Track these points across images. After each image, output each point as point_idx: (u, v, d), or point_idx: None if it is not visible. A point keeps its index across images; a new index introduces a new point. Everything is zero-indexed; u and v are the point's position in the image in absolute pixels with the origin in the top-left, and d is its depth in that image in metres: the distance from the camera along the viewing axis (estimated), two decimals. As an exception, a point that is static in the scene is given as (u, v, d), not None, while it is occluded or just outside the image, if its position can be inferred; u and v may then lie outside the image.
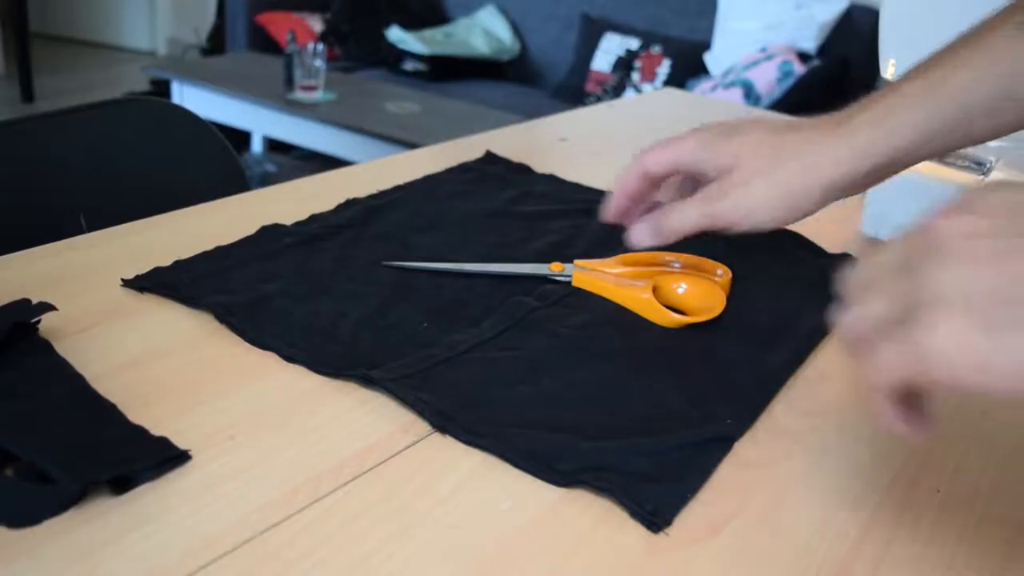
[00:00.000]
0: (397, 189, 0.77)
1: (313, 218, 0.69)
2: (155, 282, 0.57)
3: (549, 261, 0.65)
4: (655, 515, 0.41)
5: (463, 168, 0.85)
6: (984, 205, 0.33)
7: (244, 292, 0.57)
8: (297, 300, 0.57)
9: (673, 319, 0.58)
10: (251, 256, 0.62)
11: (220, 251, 0.63)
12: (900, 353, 0.33)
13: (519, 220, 0.74)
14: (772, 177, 0.52)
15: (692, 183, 0.59)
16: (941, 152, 0.52)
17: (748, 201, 0.53)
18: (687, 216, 0.54)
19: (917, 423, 0.36)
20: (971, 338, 0.31)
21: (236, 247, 0.63)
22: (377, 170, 0.85)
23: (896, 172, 0.53)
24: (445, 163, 0.85)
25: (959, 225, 0.32)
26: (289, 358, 0.51)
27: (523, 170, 0.86)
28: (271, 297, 0.57)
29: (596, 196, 0.81)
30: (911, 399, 0.36)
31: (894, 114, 0.51)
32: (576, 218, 0.75)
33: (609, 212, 0.60)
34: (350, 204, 0.73)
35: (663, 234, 0.56)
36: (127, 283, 0.57)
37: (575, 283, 0.62)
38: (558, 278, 0.63)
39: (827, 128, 0.53)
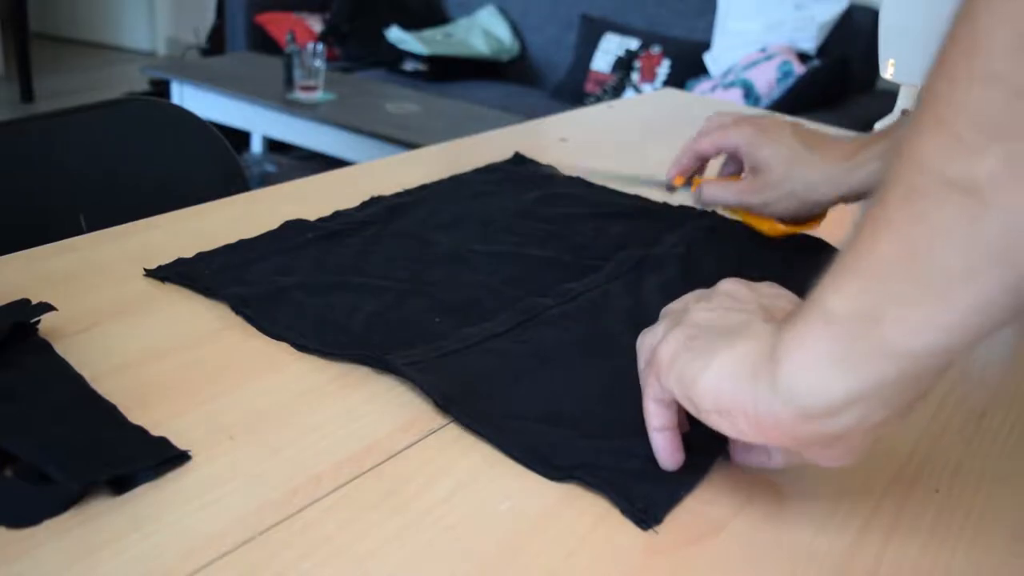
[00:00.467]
0: (422, 188, 0.78)
1: (336, 214, 0.70)
2: (177, 272, 0.59)
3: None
4: (646, 513, 0.41)
5: (490, 168, 0.85)
6: (756, 285, 0.46)
7: (262, 284, 0.58)
8: (313, 293, 0.58)
9: (778, 228, 0.71)
10: (273, 250, 0.63)
11: (243, 244, 0.64)
12: (652, 350, 0.44)
13: (542, 222, 0.74)
14: (789, 189, 0.70)
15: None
16: None
17: (770, 200, 0.71)
18: (726, 195, 0.74)
19: (670, 440, 0.44)
20: (674, 344, 0.42)
21: (259, 241, 0.64)
22: (377, 170, 0.85)
23: None
24: (445, 163, 0.85)
25: (730, 286, 0.46)
26: (300, 347, 0.52)
27: (550, 172, 0.86)
28: (288, 290, 0.58)
29: (622, 199, 0.81)
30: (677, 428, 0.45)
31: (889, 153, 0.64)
32: (599, 221, 0.75)
33: (670, 177, 0.78)
34: (374, 201, 0.74)
35: (704, 202, 0.76)
36: (150, 273, 0.59)
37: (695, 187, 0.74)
38: (681, 190, 0.77)
39: (839, 155, 0.69)
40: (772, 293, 0.46)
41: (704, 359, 0.40)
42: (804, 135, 0.71)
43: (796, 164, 0.69)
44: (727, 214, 0.78)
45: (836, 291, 0.36)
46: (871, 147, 0.67)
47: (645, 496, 0.42)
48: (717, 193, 0.74)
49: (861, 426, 0.36)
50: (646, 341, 0.47)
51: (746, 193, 0.72)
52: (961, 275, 0.32)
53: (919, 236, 0.33)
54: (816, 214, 0.71)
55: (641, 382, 0.46)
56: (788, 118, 0.78)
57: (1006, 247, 0.31)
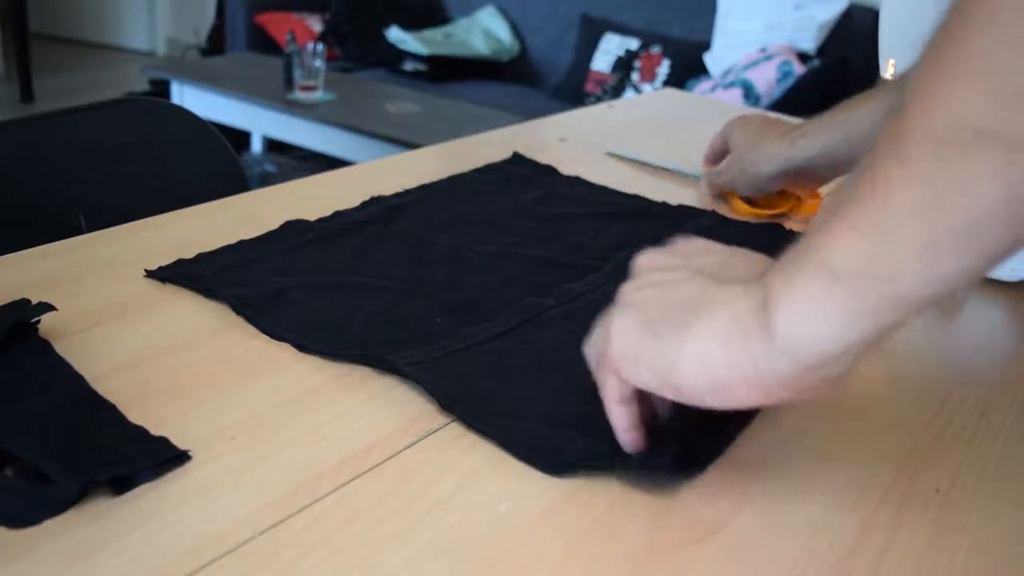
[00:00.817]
0: (422, 188, 0.78)
1: (336, 214, 0.70)
2: (177, 273, 0.59)
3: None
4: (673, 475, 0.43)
5: (489, 168, 0.85)
6: (674, 248, 0.46)
7: (262, 285, 0.58)
8: (313, 294, 0.58)
9: (742, 208, 0.82)
10: (273, 250, 0.63)
11: (243, 245, 0.64)
12: (600, 352, 0.43)
13: (540, 221, 0.74)
14: (741, 166, 0.81)
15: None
16: (845, 165, 0.76)
17: (731, 177, 0.82)
18: (708, 175, 0.86)
19: (639, 439, 0.44)
20: (630, 336, 0.41)
21: (259, 241, 0.64)
22: (377, 170, 0.85)
23: (819, 173, 0.79)
24: (445, 163, 0.85)
25: (647, 259, 0.46)
26: (301, 347, 0.52)
27: (549, 171, 0.86)
28: (288, 290, 0.58)
29: (620, 199, 0.81)
30: (641, 419, 0.44)
31: (811, 134, 0.77)
32: (599, 220, 0.75)
33: (704, 160, 0.89)
34: (374, 201, 0.74)
35: (709, 188, 0.86)
36: (150, 273, 0.58)
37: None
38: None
39: (778, 135, 0.79)
40: (695, 250, 0.45)
41: (676, 340, 0.39)
42: (767, 124, 0.83)
43: (750, 146, 0.81)
44: (726, 213, 0.81)
45: (843, 248, 0.35)
46: (803, 127, 0.78)
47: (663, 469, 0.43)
48: (707, 174, 0.86)
49: (854, 362, 0.37)
50: (593, 349, 0.45)
51: (715, 173, 0.84)
52: (993, 222, 0.32)
53: (947, 189, 0.32)
54: (767, 191, 0.81)
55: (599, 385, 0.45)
56: (790, 119, 0.84)
57: None
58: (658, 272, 0.43)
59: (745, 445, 0.47)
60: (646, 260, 0.45)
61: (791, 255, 0.37)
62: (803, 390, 0.38)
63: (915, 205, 0.33)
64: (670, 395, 0.40)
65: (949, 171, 0.32)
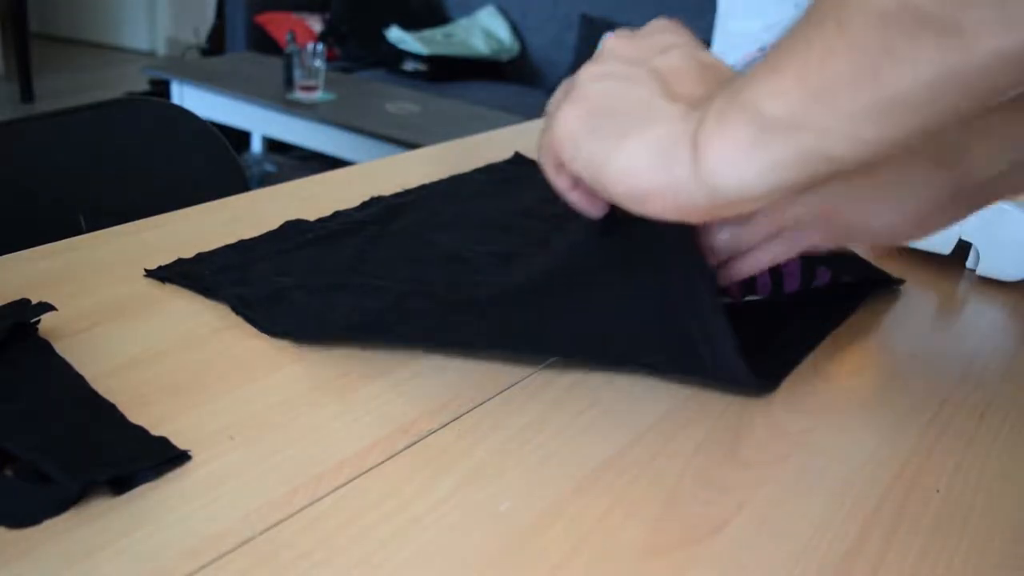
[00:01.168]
0: (422, 188, 0.78)
1: (336, 214, 0.70)
2: (177, 273, 0.59)
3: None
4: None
5: (489, 168, 0.85)
6: (647, 36, 0.47)
7: (262, 285, 0.58)
8: (313, 294, 0.58)
9: None
10: (273, 250, 0.63)
11: (243, 244, 0.64)
12: (548, 127, 0.46)
13: (543, 221, 0.74)
14: None
15: None
16: None
17: None
18: None
19: (592, 201, 0.49)
20: (575, 124, 0.43)
21: (259, 241, 0.64)
22: (377, 170, 0.85)
23: None
24: (445, 163, 0.85)
25: (614, 43, 0.46)
26: (298, 338, 0.52)
27: None
28: (288, 290, 0.58)
29: None
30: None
31: None
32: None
33: None
34: (374, 201, 0.74)
35: None
36: (150, 273, 0.58)
37: None
38: None
39: None
40: (665, 45, 0.46)
41: (611, 144, 0.41)
42: None
43: None
44: None
45: (776, 96, 0.37)
46: None
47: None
48: None
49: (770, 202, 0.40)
50: (549, 113, 0.47)
51: None
52: (919, 102, 0.34)
53: (881, 65, 0.34)
54: None
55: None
56: None
57: (977, 83, 0.32)
58: (618, 63, 0.45)
59: (745, 444, 0.47)
60: (615, 44, 0.47)
61: (730, 91, 0.39)
62: (715, 218, 0.41)
63: (848, 74, 0.35)
64: (597, 190, 0.43)
65: (886, 48, 0.33)
